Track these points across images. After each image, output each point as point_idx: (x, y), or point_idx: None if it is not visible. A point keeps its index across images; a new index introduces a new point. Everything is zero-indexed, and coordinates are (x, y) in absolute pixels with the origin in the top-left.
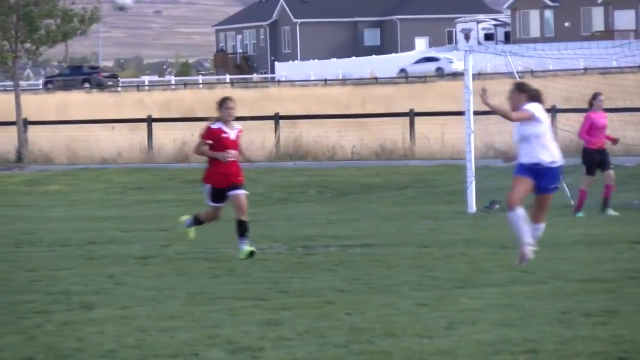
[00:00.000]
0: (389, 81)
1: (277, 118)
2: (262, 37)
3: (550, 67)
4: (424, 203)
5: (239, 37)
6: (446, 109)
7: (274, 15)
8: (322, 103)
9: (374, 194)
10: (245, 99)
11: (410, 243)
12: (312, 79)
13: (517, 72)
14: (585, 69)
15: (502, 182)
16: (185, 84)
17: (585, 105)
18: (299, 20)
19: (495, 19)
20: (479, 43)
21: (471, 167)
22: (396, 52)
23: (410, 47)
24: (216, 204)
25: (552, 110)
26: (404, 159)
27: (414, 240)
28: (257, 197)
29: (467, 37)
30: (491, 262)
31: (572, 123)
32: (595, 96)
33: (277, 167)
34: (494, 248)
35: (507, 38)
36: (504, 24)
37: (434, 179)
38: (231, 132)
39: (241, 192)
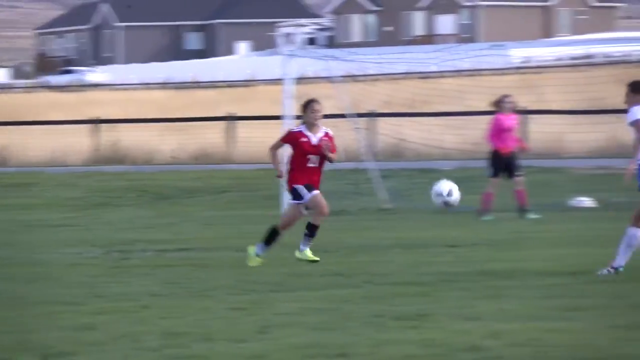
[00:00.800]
0: (211, 85)
1: (95, 122)
2: (83, 40)
3: (371, 72)
4: (242, 207)
5: (61, 40)
6: (269, 113)
7: (96, 18)
8: (142, 107)
9: (193, 197)
10: (64, 103)
11: (228, 247)
12: (133, 82)
13: (339, 77)
14: (406, 73)
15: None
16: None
17: (406, 109)
18: (121, 24)
19: (317, 24)
20: (301, 47)
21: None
22: (218, 56)
23: (233, 51)
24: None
25: (372, 115)
26: (224, 163)
27: (231, 244)
28: (75, 201)
29: (288, 42)
30: (309, 266)
31: (392, 127)
32: (502, 98)
33: (95, 172)
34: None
35: (330, 42)
36: (327, 29)
37: (253, 183)
38: (313, 137)
39: (317, 192)
